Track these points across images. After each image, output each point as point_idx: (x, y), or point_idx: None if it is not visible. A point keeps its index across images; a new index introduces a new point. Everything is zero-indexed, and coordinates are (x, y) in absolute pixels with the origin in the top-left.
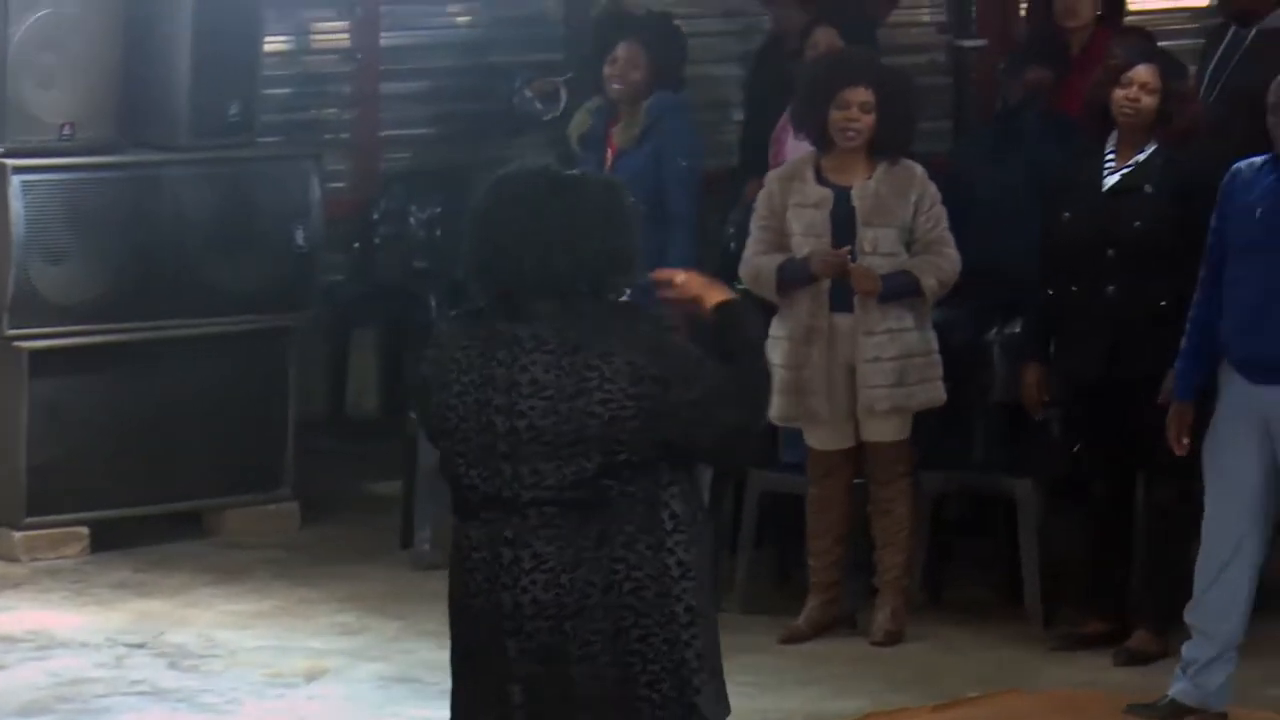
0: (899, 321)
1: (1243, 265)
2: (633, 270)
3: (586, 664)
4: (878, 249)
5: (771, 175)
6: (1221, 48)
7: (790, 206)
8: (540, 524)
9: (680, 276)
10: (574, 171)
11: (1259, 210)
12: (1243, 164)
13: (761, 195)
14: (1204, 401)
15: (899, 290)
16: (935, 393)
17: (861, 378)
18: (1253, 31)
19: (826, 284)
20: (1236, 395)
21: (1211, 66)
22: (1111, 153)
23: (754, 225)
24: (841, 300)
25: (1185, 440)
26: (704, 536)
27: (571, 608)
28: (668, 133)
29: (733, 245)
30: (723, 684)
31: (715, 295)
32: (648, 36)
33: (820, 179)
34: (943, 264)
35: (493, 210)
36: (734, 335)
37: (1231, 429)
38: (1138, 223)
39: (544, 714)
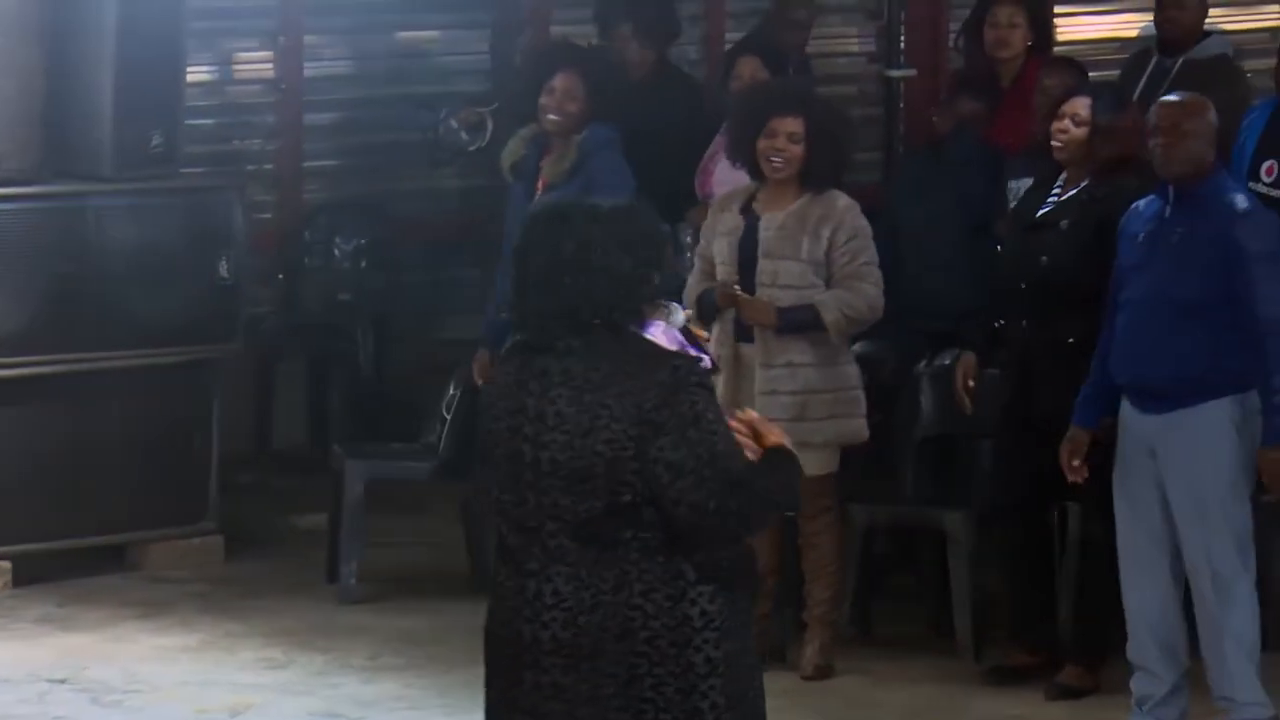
0: (800, 355)
1: (1127, 292)
2: (639, 295)
3: (596, 705)
4: (777, 281)
5: (714, 202)
6: (1145, 78)
7: (717, 234)
8: (559, 559)
9: (751, 414)
10: (591, 202)
11: (1141, 235)
12: (1141, 200)
13: (704, 224)
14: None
15: (798, 324)
16: (848, 429)
17: (760, 410)
18: (1179, 62)
19: (732, 313)
20: (1129, 424)
21: (1136, 97)
22: (1058, 187)
23: (696, 253)
24: (747, 330)
25: (1076, 464)
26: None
27: (587, 649)
28: (598, 168)
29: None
30: None
31: (772, 438)
32: (588, 68)
33: (747, 208)
34: (853, 299)
35: (519, 245)
36: (767, 472)
37: (1129, 459)
38: (1044, 258)
39: None
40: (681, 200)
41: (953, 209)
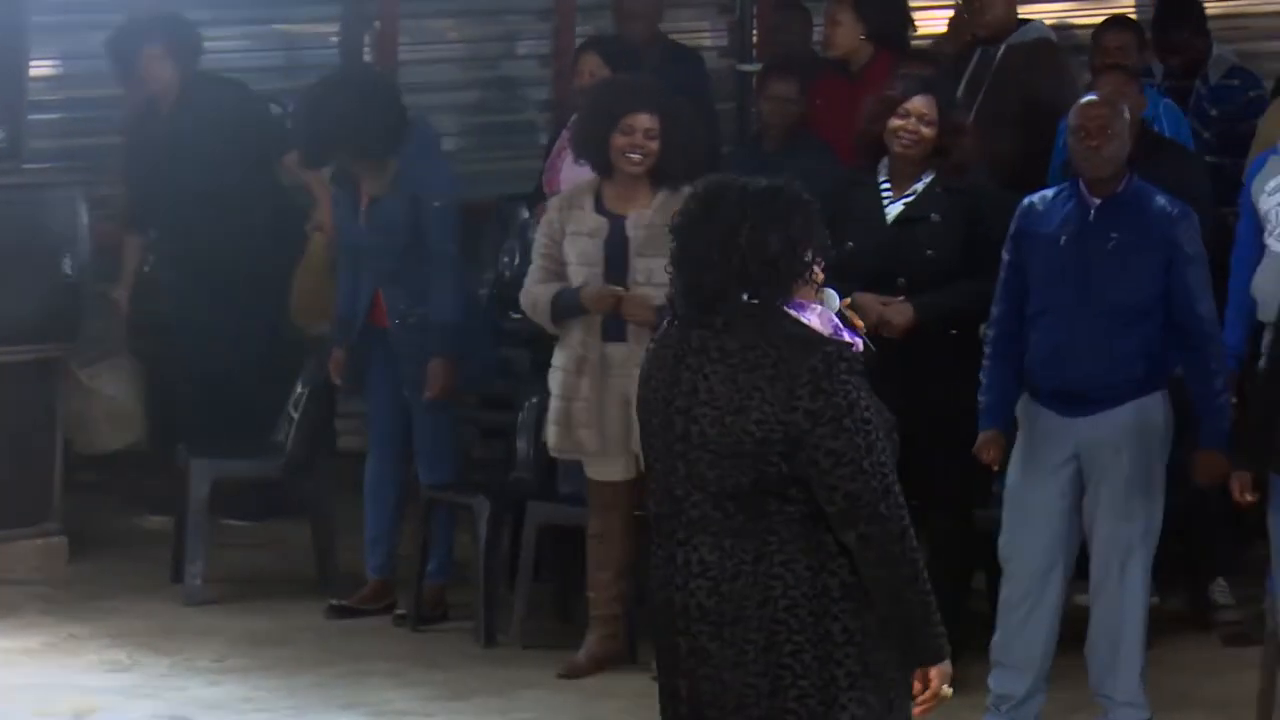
0: None
1: (1049, 296)
2: (791, 271)
3: (740, 670)
4: (651, 279)
5: (552, 202)
6: (970, 68)
7: (568, 234)
8: (703, 528)
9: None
10: (745, 180)
11: (1063, 238)
12: (1034, 197)
13: (543, 222)
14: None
15: None
16: None
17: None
18: (1002, 48)
19: (599, 314)
20: (1044, 429)
21: (962, 89)
22: (886, 182)
23: (535, 252)
24: (617, 330)
25: (996, 469)
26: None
27: (729, 616)
28: (421, 172)
29: (507, 274)
30: (889, 704)
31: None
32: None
33: (600, 207)
34: None
35: (676, 223)
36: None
37: (1037, 463)
38: (930, 251)
39: (701, 713)
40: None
41: None
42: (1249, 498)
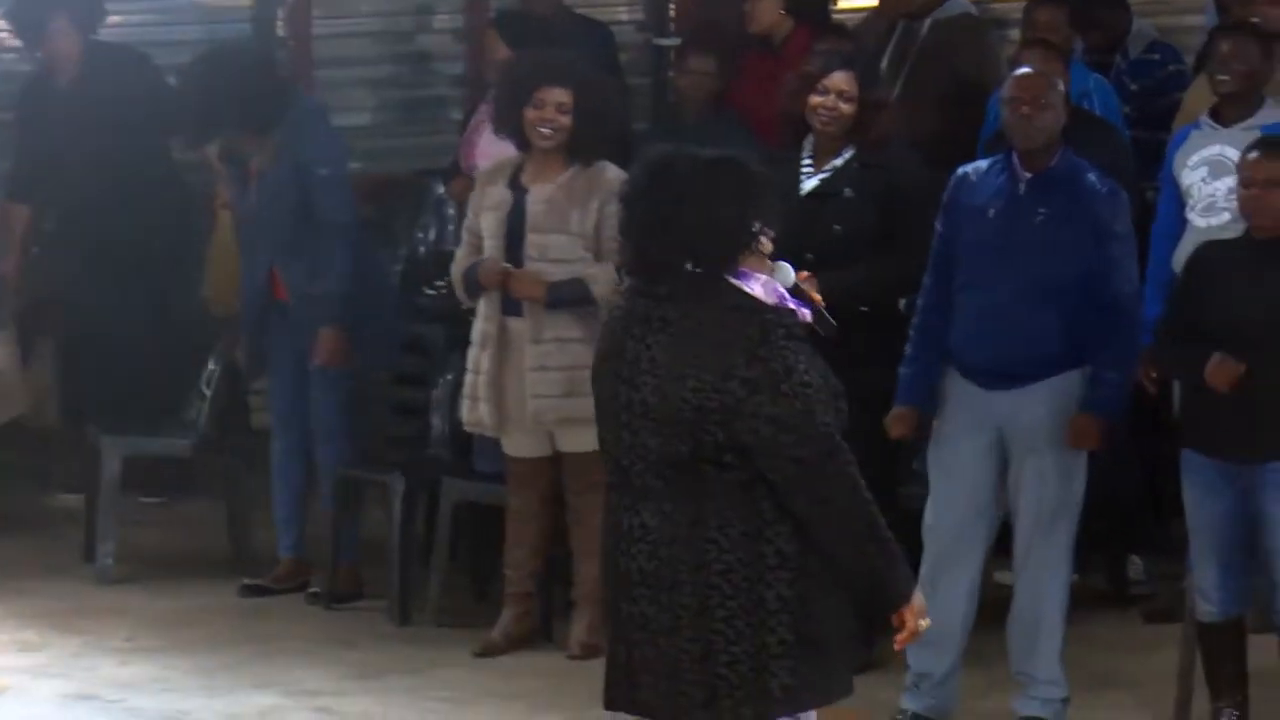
0: (569, 330)
1: (975, 269)
2: (736, 241)
3: (674, 636)
4: (546, 255)
5: (480, 175)
6: (893, 43)
7: (484, 208)
8: (646, 496)
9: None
10: (696, 151)
11: (991, 211)
12: (968, 168)
13: (471, 197)
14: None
15: (568, 298)
16: None
17: (528, 386)
18: (927, 23)
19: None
20: (967, 402)
21: (885, 64)
22: (809, 158)
23: (464, 227)
24: (517, 305)
25: (907, 444)
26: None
27: (666, 580)
28: (305, 142)
29: (421, 249)
30: (824, 674)
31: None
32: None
33: (515, 182)
34: None
35: (626, 192)
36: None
37: (960, 436)
38: (838, 226)
39: (638, 678)
40: None
41: None
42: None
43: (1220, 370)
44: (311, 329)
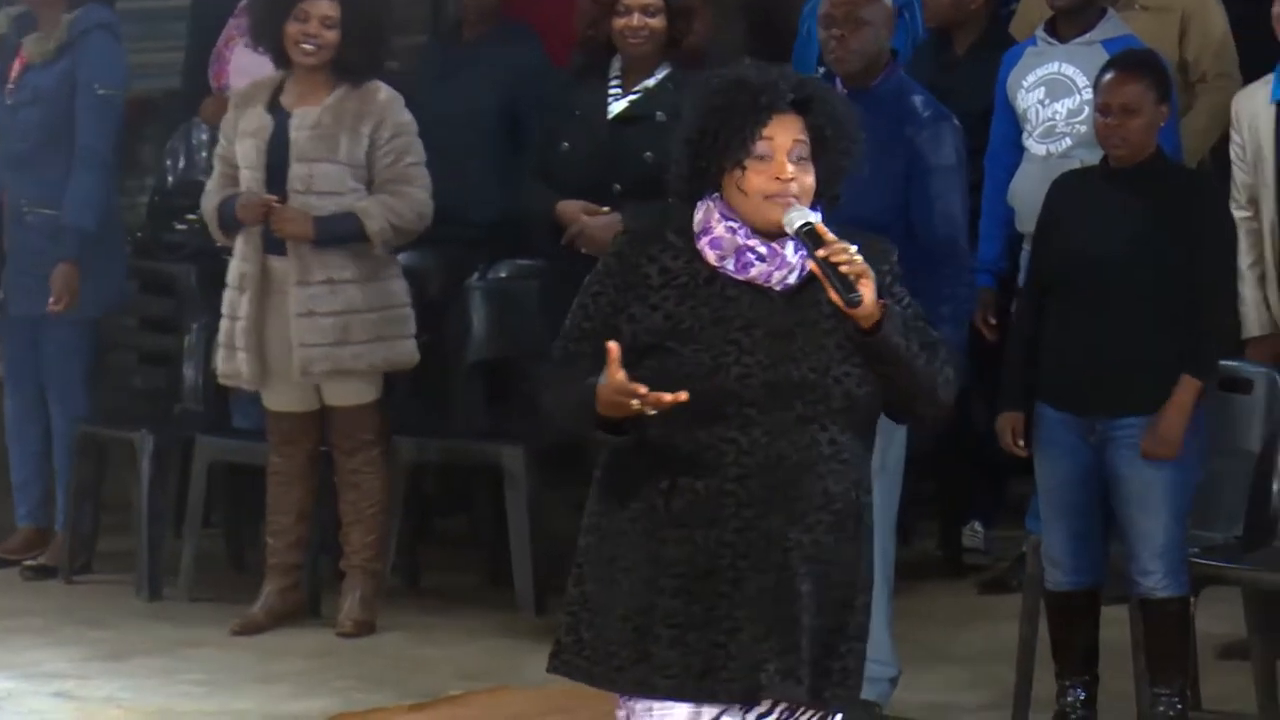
0: (341, 271)
1: None
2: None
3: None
4: (312, 187)
5: (232, 98)
6: None
7: (239, 135)
8: None
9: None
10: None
11: None
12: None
13: (224, 121)
14: None
15: (339, 235)
16: (397, 352)
17: (295, 334)
18: None
19: (261, 225)
20: None
21: None
22: (617, 79)
23: (215, 155)
24: (279, 242)
25: None
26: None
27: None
28: (89, 51)
29: (170, 179)
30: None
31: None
32: None
33: (274, 104)
34: (399, 206)
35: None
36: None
37: None
38: (649, 153)
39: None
40: None
41: (483, 101)
42: (1021, 447)
43: None
44: (34, 260)
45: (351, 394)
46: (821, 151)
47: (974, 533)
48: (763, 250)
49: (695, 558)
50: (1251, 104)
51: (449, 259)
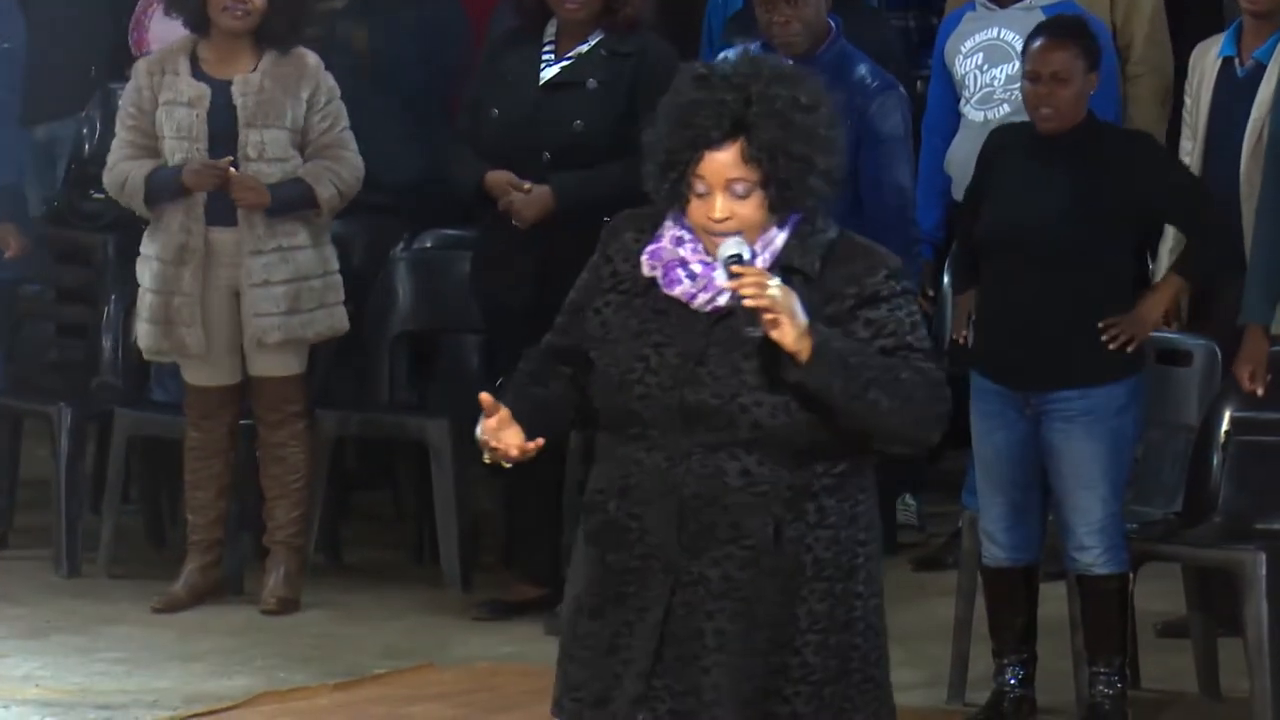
0: (291, 239)
1: None
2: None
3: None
4: (264, 154)
5: (140, 65)
6: None
7: (161, 104)
8: None
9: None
10: None
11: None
12: (730, 53)
13: (128, 89)
14: None
15: (291, 202)
16: (335, 319)
17: (249, 305)
18: None
19: (202, 195)
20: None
21: None
22: (550, 43)
23: (120, 124)
24: (222, 214)
25: None
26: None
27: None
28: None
29: (87, 146)
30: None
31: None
32: None
33: (197, 71)
34: (342, 171)
35: None
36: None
37: None
38: (579, 121)
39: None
40: None
41: (397, 65)
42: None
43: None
44: None
45: (279, 365)
46: (773, 172)
47: (906, 506)
48: (696, 269)
49: (605, 580)
50: (1205, 59)
51: (368, 226)
